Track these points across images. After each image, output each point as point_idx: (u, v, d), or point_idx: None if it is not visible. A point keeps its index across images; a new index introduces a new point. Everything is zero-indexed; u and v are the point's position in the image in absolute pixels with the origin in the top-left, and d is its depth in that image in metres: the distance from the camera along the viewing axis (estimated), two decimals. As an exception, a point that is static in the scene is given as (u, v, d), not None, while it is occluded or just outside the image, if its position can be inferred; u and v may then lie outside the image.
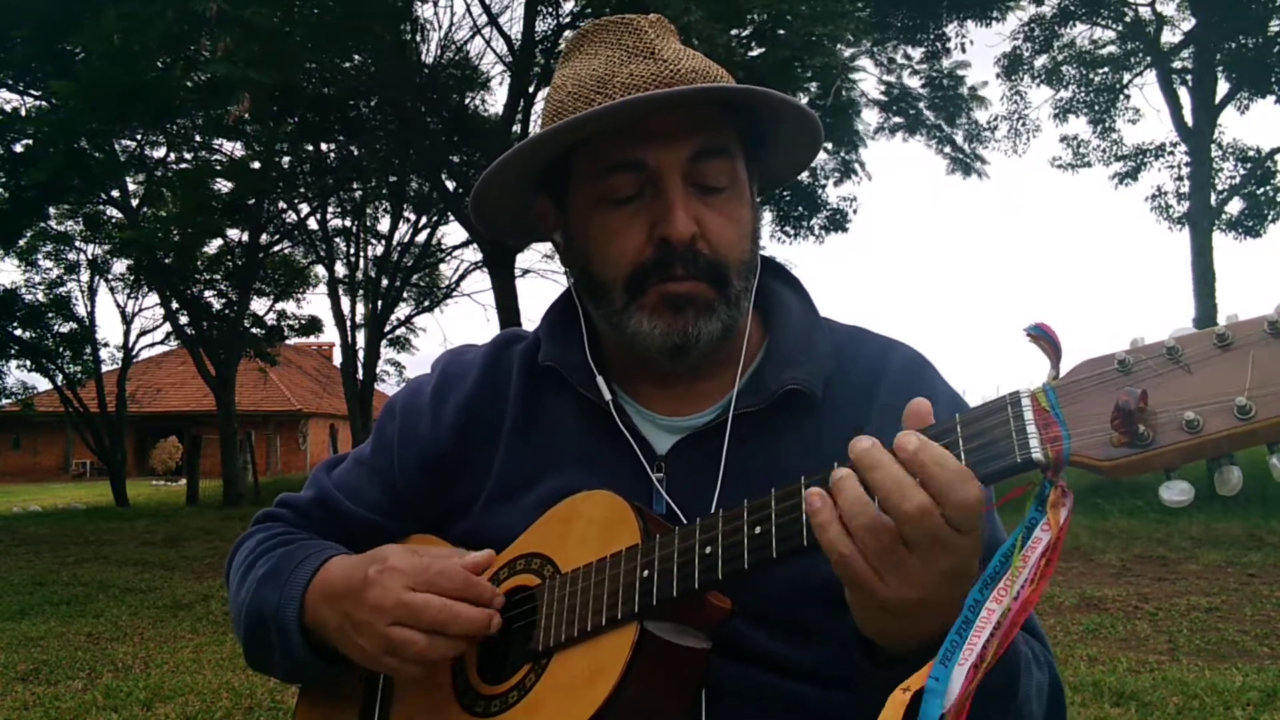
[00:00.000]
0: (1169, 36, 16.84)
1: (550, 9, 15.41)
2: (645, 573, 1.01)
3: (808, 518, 0.88)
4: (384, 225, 21.60)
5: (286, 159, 18.50)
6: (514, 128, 14.95)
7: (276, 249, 21.98)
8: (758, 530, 0.93)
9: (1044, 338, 0.82)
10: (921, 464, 0.82)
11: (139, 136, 17.18)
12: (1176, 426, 0.73)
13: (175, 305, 20.21)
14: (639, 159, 1.13)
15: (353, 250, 21.61)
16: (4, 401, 25.32)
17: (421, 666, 1.11)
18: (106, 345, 24.92)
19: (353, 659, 1.16)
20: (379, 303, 21.34)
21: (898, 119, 17.47)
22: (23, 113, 15.37)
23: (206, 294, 21.34)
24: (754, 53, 12.50)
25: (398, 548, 1.17)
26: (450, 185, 16.34)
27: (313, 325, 23.97)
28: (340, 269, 21.44)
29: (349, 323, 21.32)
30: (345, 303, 21.34)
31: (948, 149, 17.61)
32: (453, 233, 40.97)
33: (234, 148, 18.08)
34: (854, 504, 0.84)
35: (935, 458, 0.82)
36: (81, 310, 22.93)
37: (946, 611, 0.86)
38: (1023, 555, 0.79)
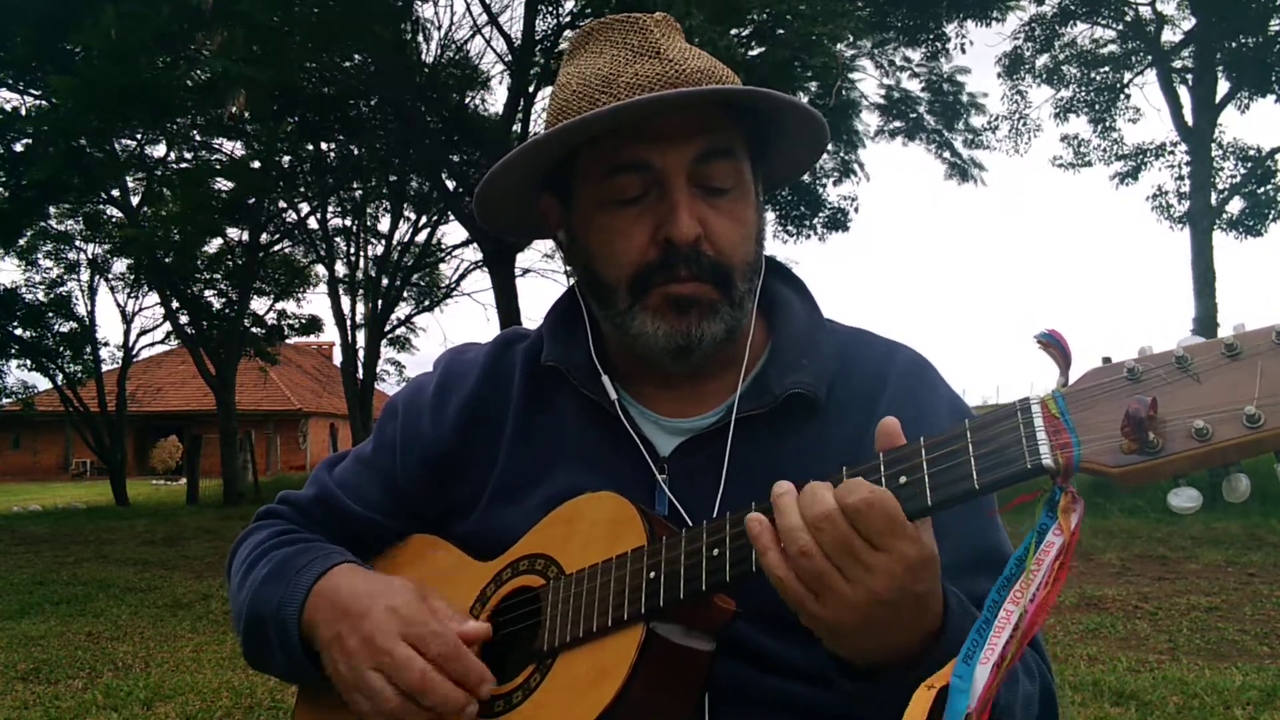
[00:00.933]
0: (1169, 36, 16.88)
1: (550, 8, 15.40)
2: (652, 574, 1.01)
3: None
4: (384, 224, 21.61)
5: (286, 158, 18.48)
6: (514, 127, 14.94)
7: (276, 248, 21.97)
8: None
9: (1054, 344, 0.83)
10: (839, 481, 0.88)
11: (139, 136, 17.18)
12: (1186, 434, 0.74)
13: (175, 304, 20.19)
14: (644, 159, 1.13)
15: (353, 250, 21.61)
16: (4, 401, 25.31)
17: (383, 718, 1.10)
18: (107, 344, 24.91)
19: (327, 673, 1.16)
20: (379, 302, 21.32)
21: (898, 123, 17.47)
22: (23, 112, 15.35)
23: (207, 293, 21.33)
24: (754, 52, 12.49)
25: (406, 586, 1.16)
26: (450, 184, 16.34)
27: (313, 325, 23.95)
28: (340, 268, 21.45)
29: (349, 322, 21.31)
30: (345, 302, 21.34)
31: (946, 154, 17.62)
32: (453, 232, 41.08)
33: (234, 147, 18.09)
34: (789, 528, 0.88)
35: (846, 476, 0.89)
36: (82, 309, 22.93)
37: (891, 633, 0.90)
38: (1036, 559, 0.80)
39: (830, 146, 15.68)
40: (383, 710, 1.08)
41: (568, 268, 1.36)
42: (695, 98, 1.11)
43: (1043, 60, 18.14)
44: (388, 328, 22.60)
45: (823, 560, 0.87)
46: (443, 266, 23.92)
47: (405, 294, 22.91)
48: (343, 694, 1.14)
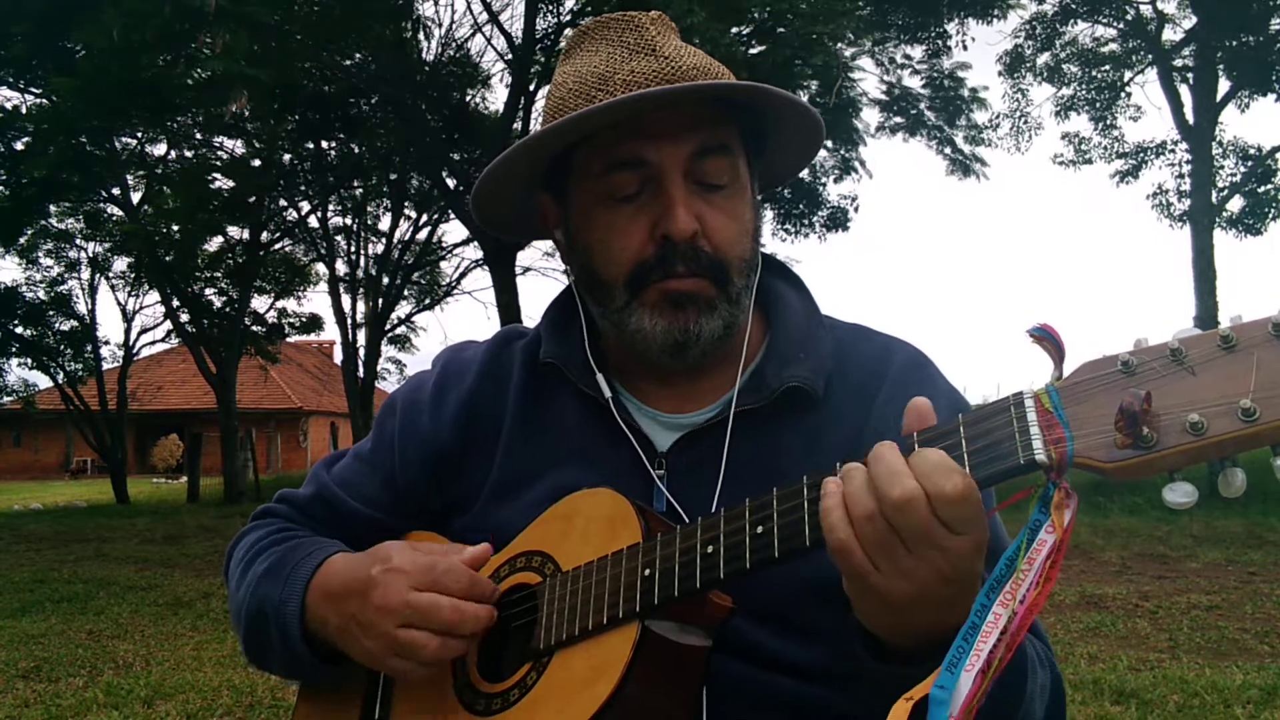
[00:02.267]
0: (1170, 34, 16.88)
1: (551, 7, 15.40)
2: (647, 571, 1.01)
3: (811, 519, 0.89)
4: (385, 223, 21.61)
5: (287, 156, 18.52)
6: (514, 125, 14.94)
7: (277, 247, 21.98)
8: (759, 530, 0.93)
9: (1047, 338, 0.82)
10: (915, 458, 0.83)
11: (139, 134, 17.19)
12: (1181, 428, 0.73)
13: (176, 303, 20.21)
14: (640, 156, 1.13)
15: (353, 248, 21.60)
16: (5, 399, 25.34)
17: (429, 668, 1.11)
18: (107, 343, 24.96)
19: (355, 659, 1.15)
20: (380, 300, 21.33)
21: (898, 119, 17.47)
22: (23, 110, 15.35)
23: (207, 292, 21.36)
24: (754, 51, 12.48)
25: (399, 545, 1.16)
26: (451, 183, 16.34)
27: (313, 323, 23.96)
28: (341, 267, 21.44)
29: (350, 320, 21.31)
30: (346, 300, 21.33)
31: (948, 150, 17.61)
32: (453, 230, 40.94)
33: (234, 145, 18.11)
34: (856, 491, 0.85)
35: (930, 453, 0.83)
36: (82, 308, 22.96)
37: (944, 612, 0.86)
38: (1027, 558, 0.79)
39: (830, 144, 15.74)
40: (428, 658, 1.08)
41: (565, 266, 1.37)
42: (691, 94, 1.11)
43: (1044, 58, 18.15)
44: (388, 326, 22.61)
45: (888, 530, 0.83)
46: (443, 265, 23.95)
47: (406, 292, 22.92)
48: (378, 666, 1.14)
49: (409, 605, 1.08)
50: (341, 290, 21.18)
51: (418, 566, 1.11)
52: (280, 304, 23.17)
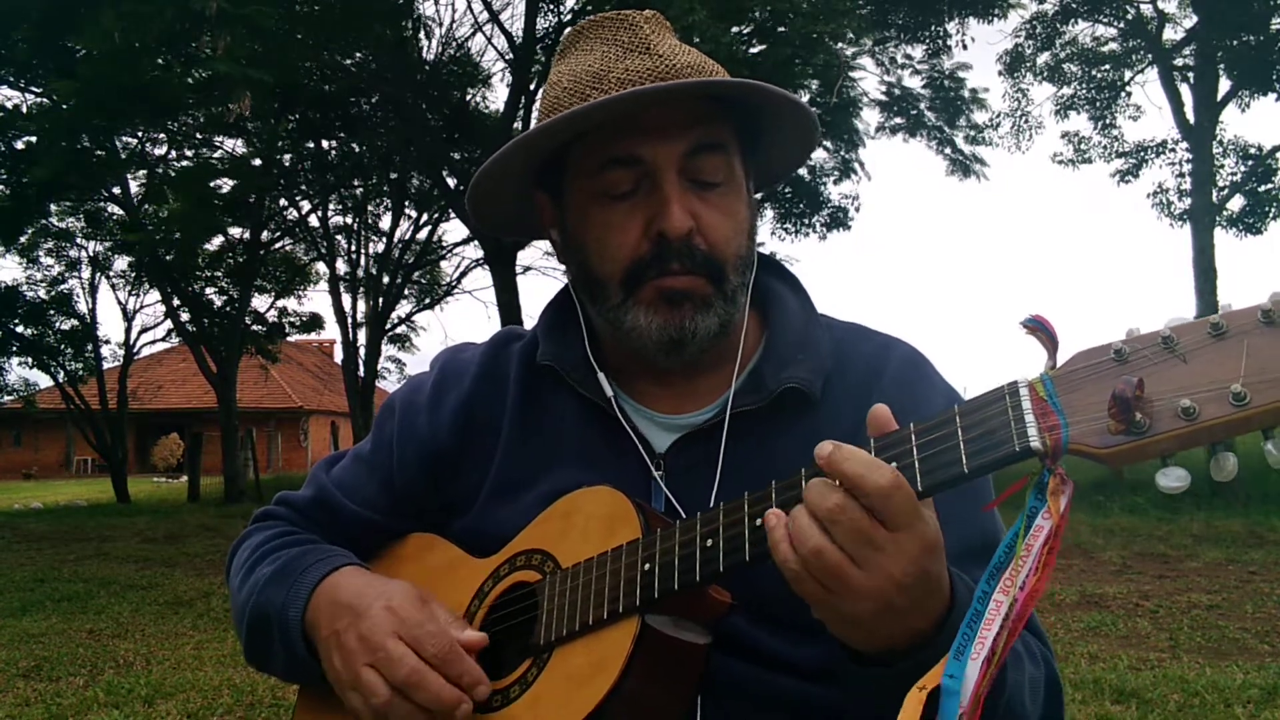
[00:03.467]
0: (1170, 34, 16.88)
1: (551, 6, 15.42)
2: (646, 566, 1.01)
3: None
4: (385, 222, 21.60)
5: (288, 156, 18.53)
6: (515, 125, 14.94)
7: (277, 246, 21.99)
8: (758, 523, 0.94)
9: (1040, 329, 0.83)
10: (834, 464, 0.85)
11: (140, 134, 17.19)
12: (1173, 414, 0.74)
13: (176, 302, 20.21)
14: (635, 154, 1.13)
15: (354, 247, 21.61)
16: (5, 399, 25.35)
17: (376, 716, 1.10)
18: (108, 342, 24.99)
19: (324, 670, 1.17)
20: (380, 300, 21.33)
21: (898, 119, 17.48)
22: (24, 110, 15.35)
23: (208, 291, 21.37)
24: (755, 50, 12.49)
25: (411, 590, 1.16)
26: (451, 182, 16.35)
27: (314, 322, 23.98)
28: (341, 266, 21.44)
29: (350, 320, 21.30)
30: (346, 300, 21.33)
31: (948, 150, 17.62)
32: (454, 230, 41.05)
33: (235, 145, 18.11)
34: (801, 529, 0.86)
35: (845, 454, 0.85)
36: (83, 307, 22.96)
37: (908, 619, 0.88)
38: (1025, 544, 0.80)
39: (830, 145, 15.73)
40: (375, 707, 1.08)
41: (562, 265, 1.37)
42: (684, 91, 1.11)
43: (1044, 58, 18.15)
44: (389, 325, 22.62)
45: (838, 555, 0.84)
46: (444, 264, 23.98)
47: (406, 292, 22.93)
48: (338, 692, 1.14)
49: (382, 648, 1.08)
50: (342, 289, 21.18)
51: (410, 618, 1.11)
52: (281, 303, 23.23)
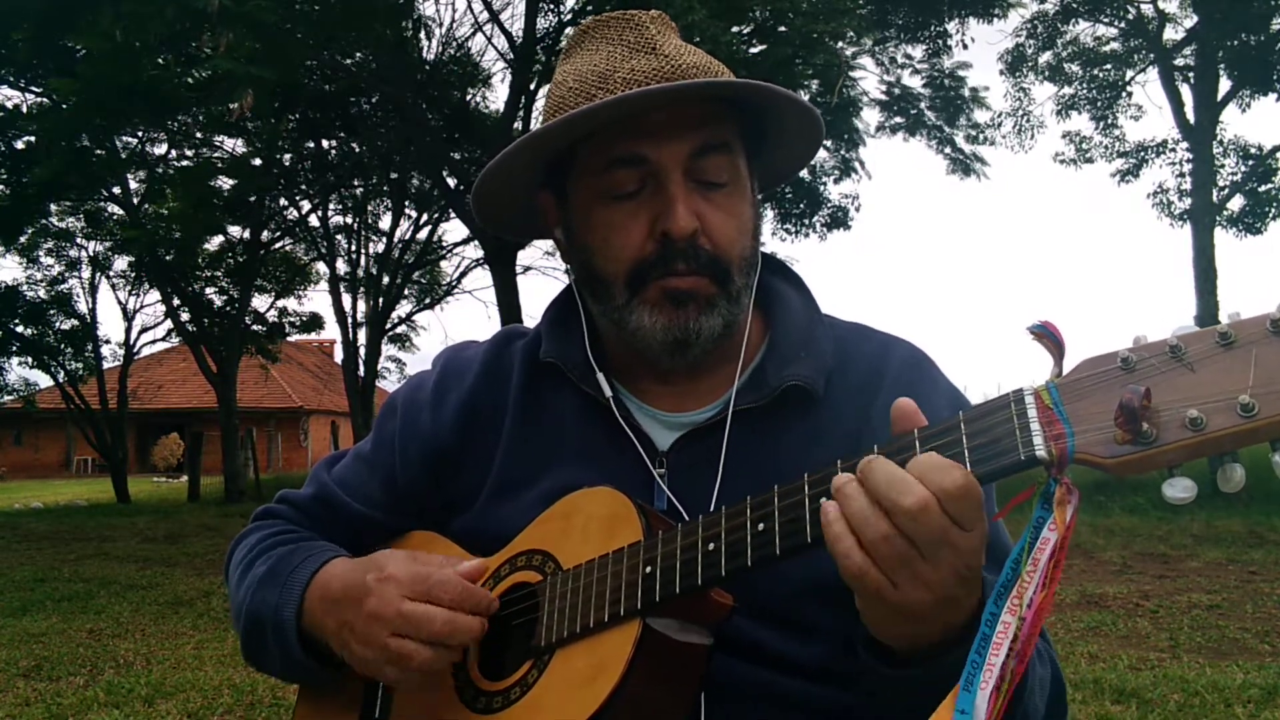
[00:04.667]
0: (1171, 34, 16.86)
1: (551, 6, 15.40)
2: (648, 569, 1.01)
3: (813, 516, 0.89)
4: (385, 222, 21.59)
5: (288, 156, 18.50)
6: (515, 125, 14.93)
7: (278, 246, 21.97)
8: (761, 527, 0.93)
9: (1047, 335, 0.83)
10: (912, 464, 0.84)
11: (140, 133, 17.18)
12: (1180, 424, 0.73)
13: (176, 302, 20.21)
14: (640, 154, 1.13)
15: (354, 247, 21.59)
16: (6, 398, 25.33)
17: (421, 677, 1.11)
18: (108, 342, 24.96)
19: (350, 665, 1.16)
20: (380, 300, 21.31)
21: (898, 119, 17.47)
22: (24, 110, 15.34)
23: (208, 291, 21.36)
24: (755, 50, 12.48)
25: (396, 554, 1.17)
26: (451, 182, 16.34)
27: (314, 322, 23.97)
28: (341, 266, 21.43)
29: (350, 320, 21.29)
30: (346, 300, 21.31)
31: (948, 149, 17.61)
32: (454, 229, 41.04)
33: (235, 145, 18.08)
34: (860, 513, 0.84)
35: (922, 456, 0.84)
36: (83, 307, 22.94)
37: (956, 612, 0.88)
38: (1032, 559, 0.79)
39: (831, 144, 15.71)
40: (419, 666, 1.09)
41: (566, 265, 1.37)
42: (690, 91, 1.11)
43: (1045, 58, 18.14)
44: (389, 325, 22.60)
45: (906, 546, 0.83)
46: (444, 264, 23.96)
47: (406, 291, 22.91)
48: (369, 674, 1.14)
49: (401, 615, 1.09)
50: (342, 289, 21.17)
51: (412, 576, 1.11)
52: (281, 303, 23.21)
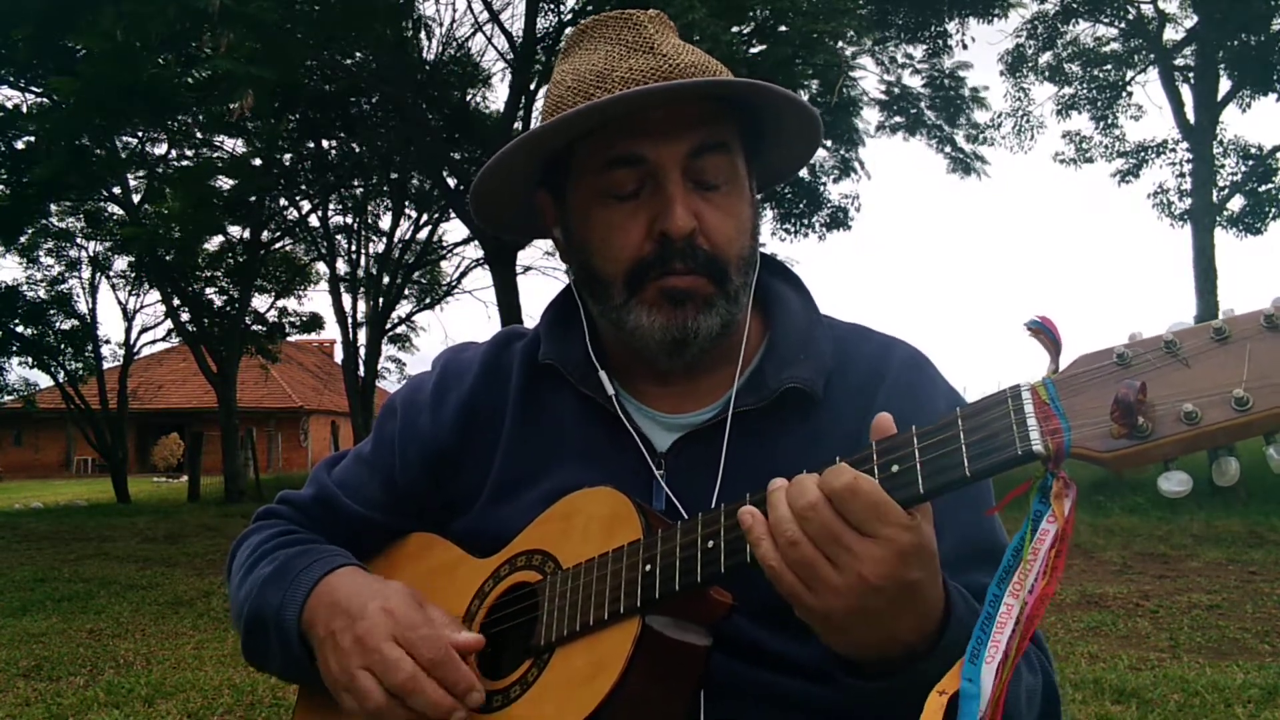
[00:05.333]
0: (1171, 34, 16.88)
1: (551, 6, 15.41)
2: (647, 567, 1.01)
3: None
4: (385, 222, 21.60)
5: (288, 156, 18.50)
6: (515, 125, 14.93)
7: (278, 246, 21.98)
8: None
9: (1044, 332, 0.83)
10: (818, 470, 0.90)
11: (140, 133, 17.19)
12: (1175, 418, 0.74)
13: (176, 302, 20.21)
14: (638, 154, 1.13)
15: (354, 247, 21.60)
16: (6, 398, 25.34)
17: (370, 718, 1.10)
18: (108, 342, 25.00)
19: (319, 670, 1.17)
20: (380, 300, 21.32)
21: (898, 119, 17.48)
22: (24, 110, 15.35)
23: (208, 291, 21.36)
24: (755, 50, 12.48)
25: (407, 591, 1.16)
26: (451, 182, 16.34)
27: (314, 322, 23.98)
28: (341, 266, 21.44)
29: (350, 320, 21.30)
30: (346, 300, 21.33)
31: (948, 149, 17.61)
32: (454, 230, 41.02)
33: (235, 145, 18.08)
34: (778, 519, 0.89)
35: (833, 465, 0.89)
36: (83, 307, 22.95)
37: (888, 626, 0.90)
38: (1032, 548, 0.80)
39: (830, 144, 15.70)
40: (369, 710, 1.08)
41: (565, 265, 1.38)
42: (688, 90, 1.11)
43: (1045, 58, 18.15)
44: (389, 325, 22.61)
45: (811, 549, 0.87)
46: (444, 264, 23.97)
47: (406, 292, 22.93)
48: (332, 693, 1.14)
49: (378, 651, 1.09)
50: (342, 289, 21.18)
51: (407, 621, 1.11)
52: (281, 303, 23.22)
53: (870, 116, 17.56)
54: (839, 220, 18.24)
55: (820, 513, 0.87)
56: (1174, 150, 17.59)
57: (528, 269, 25.55)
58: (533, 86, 15.05)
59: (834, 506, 0.87)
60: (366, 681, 1.08)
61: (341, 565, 1.22)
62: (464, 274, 23.10)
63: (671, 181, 1.12)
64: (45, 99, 15.19)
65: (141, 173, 18.83)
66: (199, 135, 17.33)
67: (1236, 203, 16.65)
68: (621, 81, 1.12)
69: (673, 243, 1.12)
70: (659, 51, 1.15)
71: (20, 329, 21.86)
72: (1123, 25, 17.27)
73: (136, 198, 19.31)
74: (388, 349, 24.46)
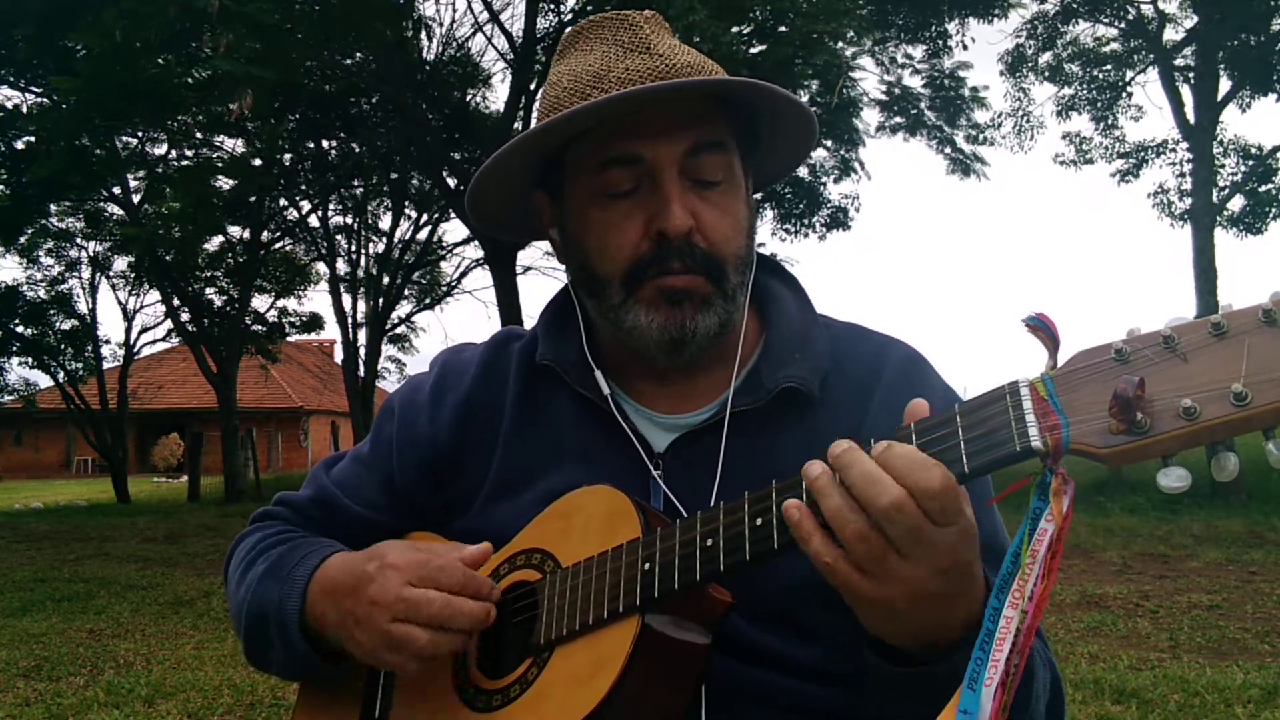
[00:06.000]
0: (1171, 34, 16.86)
1: (551, 6, 15.41)
2: (646, 565, 1.01)
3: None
4: (385, 222, 21.61)
5: (288, 156, 18.51)
6: (515, 125, 14.93)
7: (278, 246, 21.99)
8: (759, 522, 0.94)
9: (1042, 328, 0.83)
10: (888, 459, 0.84)
11: (140, 133, 17.19)
12: (1174, 413, 0.74)
13: (176, 302, 20.21)
14: (635, 153, 1.13)
15: (354, 247, 21.61)
16: (6, 398, 25.34)
17: (423, 662, 1.11)
18: (108, 342, 24.99)
19: (353, 655, 1.16)
20: (380, 300, 21.33)
21: (898, 119, 17.48)
22: (24, 110, 15.35)
23: (208, 291, 21.37)
24: (755, 50, 12.48)
25: (397, 543, 1.17)
26: (451, 182, 16.33)
27: (314, 322, 23.98)
28: (341, 266, 21.44)
29: (350, 320, 21.31)
30: (346, 300, 21.33)
31: (948, 150, 17.62)
32: (454, 230, 41.07)
33: (235, 145, 18.08)
34: (836, 511, 0.85)
35: (899, 451, 0.84)
36: (83, 307, 22.97)
37: (943, 609, 0.88)
38: (1030, 551, 0.79)
39: (830, 144, 15.70)
40: (419, 651, 1.08)
41: (562, 265, 1.38)
42: (683, 89, 1.11)
43: (1045, 58, 18.15)
44: (389, 325, 22.62)
45: (882, 543, 0.84)
46: (444, 264, 23.97)
47: (406, 292, 22.93)
48: (372, 662, 1.14)
49: (401, 599, 1.09)
50: (342, 289, 21.19)
51: (413, 562, 1.11)
52: (281, 303, 23.23)
53: (870, 117, 17.59)
54: (839, 220, 18.24)
55: (908, 514, 0.82)
56: (1174, 150, 17.60)
57: (528, 269, 25.51)
58: (533, 86, 15.05)
59: (919, 504, 0.83)
60: (403, 629, 1.08)
61: (331, 553, 1.22)
62: (464, 274, 23.12)
63: (668, 180, 1.12)
64: (45, 99, 15.19)
65: (141, 173, 18.85)
66: (199, 135, 17.32)
67: (1236, 203, 16.65)
68: (618, 81, 1.13)
69: (670, 241, 1.12)
70: (655, 51, 1.16)
71: (20, 329, 21.87)
72: (1123, 25, 17.26)
73: (136, 198, 19.32)
74: (388, 349, 24.50)
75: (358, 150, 18.42)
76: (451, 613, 1.08)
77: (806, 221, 18.34)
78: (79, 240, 21.92)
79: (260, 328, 22.43)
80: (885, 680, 0.96)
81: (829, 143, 16.36)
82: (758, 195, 1.30)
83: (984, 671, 0.79)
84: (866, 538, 0.84)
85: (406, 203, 20.65)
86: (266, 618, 1.22)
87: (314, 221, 21.01)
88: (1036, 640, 1.10)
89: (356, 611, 1.12)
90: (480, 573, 1.20)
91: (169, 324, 22.22)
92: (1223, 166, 16.64)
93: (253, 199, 18.62)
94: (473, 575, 1.11)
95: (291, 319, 23.63)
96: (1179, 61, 16.48)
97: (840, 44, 12.30)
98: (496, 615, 1.15)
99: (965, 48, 17.08)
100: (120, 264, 22.69)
